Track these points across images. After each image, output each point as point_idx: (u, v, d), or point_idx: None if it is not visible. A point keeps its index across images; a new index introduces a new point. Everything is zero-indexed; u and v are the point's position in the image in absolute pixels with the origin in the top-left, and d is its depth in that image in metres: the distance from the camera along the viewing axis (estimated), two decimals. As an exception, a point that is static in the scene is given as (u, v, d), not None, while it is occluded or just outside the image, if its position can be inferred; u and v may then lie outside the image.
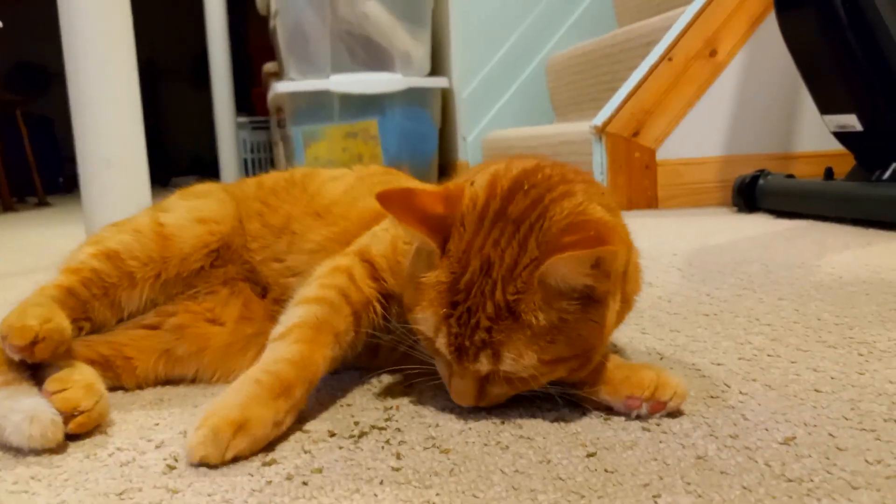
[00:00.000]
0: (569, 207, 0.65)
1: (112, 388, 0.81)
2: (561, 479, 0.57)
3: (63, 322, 0.73)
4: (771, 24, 2.35)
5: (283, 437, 0.66)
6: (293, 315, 0.72)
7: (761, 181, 2.21)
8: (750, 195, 2.23)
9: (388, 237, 0.80)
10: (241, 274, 0.91)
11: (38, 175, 4.61)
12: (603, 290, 0.64)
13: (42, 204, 4.62)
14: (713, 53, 2.46)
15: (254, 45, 5.85)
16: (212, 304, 0.88)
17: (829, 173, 2.06)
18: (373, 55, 3.23)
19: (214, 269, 0.90)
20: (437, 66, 3.43)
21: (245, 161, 4.89)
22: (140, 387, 0.83)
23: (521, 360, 0.63)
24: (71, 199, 5.19)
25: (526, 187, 0.67)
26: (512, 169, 0.70)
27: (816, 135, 2.48)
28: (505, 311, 0.63)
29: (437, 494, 0.55)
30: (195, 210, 0.91)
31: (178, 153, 7.31)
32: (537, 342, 0.63)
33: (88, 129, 1.59)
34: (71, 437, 0.67)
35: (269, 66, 4.20)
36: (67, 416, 0.66)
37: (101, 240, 0.88)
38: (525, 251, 0.63)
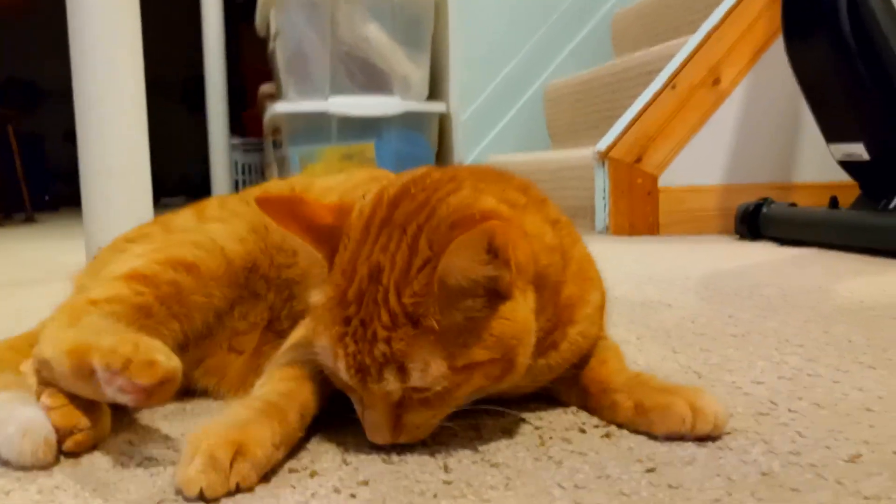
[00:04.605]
0: (455, 203, 0.60)
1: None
2: (625, 494, 0.54)
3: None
4: (774, 54, 2.37)
5: (320, 449, 0.63)
6: (275, 363, 0.68)
7: (765, 209, 2.21)
8: (753, 223, 2.23)
9: None
10: (256, 305, 0.85)
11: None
12: (506, 283, 0.58)
13: (29, 220, 4.56)
14: (716, 82, 2.47)
15: (247, 67, 5.84)
16: (229, 334, 0.83)
17: (833, 202, 2.07)
18: (371, 78, 3.23)
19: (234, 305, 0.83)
20: (436, 90, 3.43)
21: (236, 182, 4.85)
22: (158, 398, 0.79)
23: (429, 371, 0.57)
24: (57, 216, 5.13)
25: (413, 191, 0.62)
26: (402, 177, 0.65)
27: (817, 166, 2.49)
28: (402, 317, 0.57)
29: (497, 508, 0.52)
30: (235, 232, 0.84)
31: (166, 173, 7.24)
32: (445, 347, 0.57)
33: (92, 136, 1.56)
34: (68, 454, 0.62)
35: (265, 88, 4.18)
36: (65, 433, 0.61)
37: (163, 248, 0.78)
38: (416, 253, 0.58)
